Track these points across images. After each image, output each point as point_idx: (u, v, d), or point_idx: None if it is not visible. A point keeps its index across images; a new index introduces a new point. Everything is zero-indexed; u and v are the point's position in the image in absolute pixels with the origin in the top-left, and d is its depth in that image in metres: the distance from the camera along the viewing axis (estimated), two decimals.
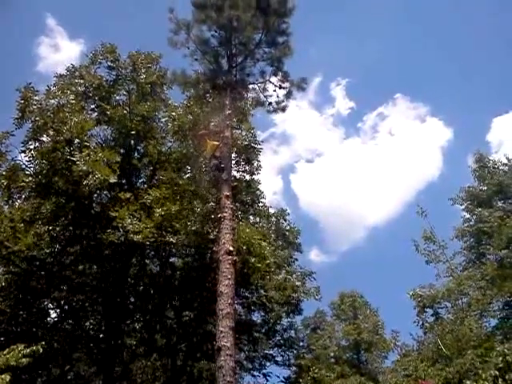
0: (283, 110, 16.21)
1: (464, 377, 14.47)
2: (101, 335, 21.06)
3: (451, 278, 20.15)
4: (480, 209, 24.28)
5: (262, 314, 22.65)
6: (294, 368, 24.64)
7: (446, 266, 20.09)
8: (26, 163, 17.71)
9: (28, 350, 10.26)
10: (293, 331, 24.57)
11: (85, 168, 15.64)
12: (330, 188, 56.08)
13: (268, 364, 24.66)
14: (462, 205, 25.66)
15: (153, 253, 20.15)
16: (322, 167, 56.93)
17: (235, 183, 17.87)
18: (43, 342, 11.44)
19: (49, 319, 21.77)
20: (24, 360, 10.08)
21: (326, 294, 24.38)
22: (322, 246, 59.43)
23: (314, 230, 48.87)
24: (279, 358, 24.44)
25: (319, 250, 58.27)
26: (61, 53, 49.24)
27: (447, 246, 20.29)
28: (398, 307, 28.23)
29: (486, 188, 25.22)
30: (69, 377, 26.19)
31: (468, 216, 25.32)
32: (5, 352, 10.20)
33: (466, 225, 24.94)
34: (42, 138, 17.36)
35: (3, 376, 9.35)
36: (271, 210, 23.41)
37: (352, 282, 33.05)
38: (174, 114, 18.86)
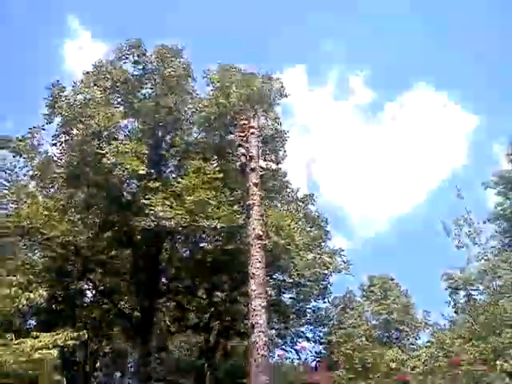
0: None
1: (500, 354, 14.52)
2: (135, 313, 21.88)
3: (483, 261, 19.88)
4: None
5: (293, 295, 22.95)
6: (324, 344, 25.16)
7: (478, 250, 19.78)
8: (58, 155, 18.37)
9: (75, 334, 11.87)
10: (323, 311, 24.76)
11: (114, 160, 15.91)
12: (352, 177, 55.07)
13: (300, 340, 25.33)
14: (494, 188, 25.23)
15: (183, 238, 20.50)
16: (344, 157, 55.73)
17: (262, 172, 17.83)
18: (85, 331, 12.78)
19: (86, 299, 22.84)
20: (70, 342, 11.78)
21: (353, 278, 24.32)
22: (347, 233, 58.51)
23: (337, 217, 48.40)
24: (310, 335, 25.00)
25: (344, 237, 57.90)
26: (85, 52, 49.89)
27: (483, 229, 19.92)
28: (426, 292, 27.95)
29: None
30: (106, 350, 27.65)
31: (501, 200, 24.87)
32: (53, 333, 11.72)
33: (499, 208, 24.48)
34: (71, 132, 17.75)
35: (52, 351, 11.07)
36: (299, 195, 23.23)
37: (378, 268, 32.87)
38: (200, 105, 18.79)
